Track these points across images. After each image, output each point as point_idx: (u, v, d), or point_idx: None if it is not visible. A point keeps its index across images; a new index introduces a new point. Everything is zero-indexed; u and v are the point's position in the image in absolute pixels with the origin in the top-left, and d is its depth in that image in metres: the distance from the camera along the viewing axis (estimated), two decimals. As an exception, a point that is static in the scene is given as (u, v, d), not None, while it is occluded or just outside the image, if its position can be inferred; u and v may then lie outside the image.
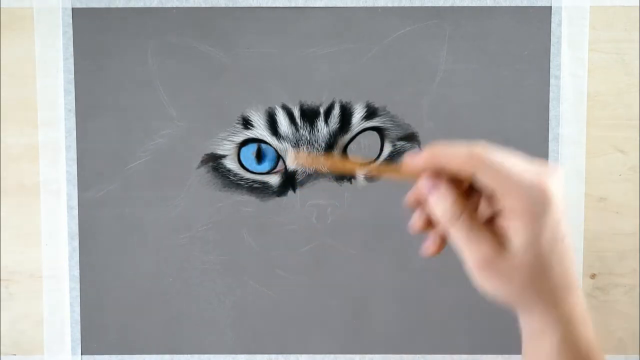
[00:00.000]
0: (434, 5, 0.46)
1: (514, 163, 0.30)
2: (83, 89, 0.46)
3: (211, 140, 0.46)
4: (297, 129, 0.46)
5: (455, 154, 0.30)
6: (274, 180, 0.46)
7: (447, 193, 0.31)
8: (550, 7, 0.46)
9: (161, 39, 0.46)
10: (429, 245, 0.33)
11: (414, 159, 0.31)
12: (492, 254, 0.30)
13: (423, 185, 0.31)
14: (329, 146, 0.46)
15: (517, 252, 0.30)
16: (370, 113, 0.46)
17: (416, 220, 0.33)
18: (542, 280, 0.31)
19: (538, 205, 0.29)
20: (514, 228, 0.30)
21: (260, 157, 0.46)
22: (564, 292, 0.31)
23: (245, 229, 0.47)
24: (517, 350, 0.47)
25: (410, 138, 0.46)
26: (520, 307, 0.32)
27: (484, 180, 0.30)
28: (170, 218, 0.46)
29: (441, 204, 0.31)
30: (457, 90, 0.46)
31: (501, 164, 0.29)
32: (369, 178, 0.46)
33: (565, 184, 0.46)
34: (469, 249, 0.30)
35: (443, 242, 0.33)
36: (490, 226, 0.31)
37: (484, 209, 0.32)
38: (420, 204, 0.32)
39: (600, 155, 0.47)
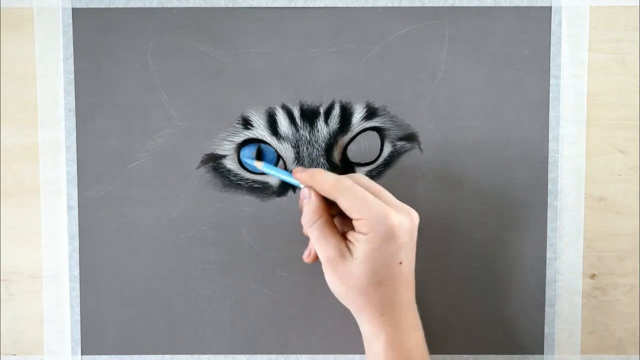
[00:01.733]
0: (434, 5, 0.46)
1: (368, 195, 0.37)
2: (83, 89, 0.46)
3: (211, 140, 0.46)
4: (297, 129, 0.46)
5: (324, 180, 0.38)
6: (274, 180, 0.46)
7: (312, 202, 0.38)
8: (550, 7, 0.46)
9: (161, 39, 0.46)
10: (306, 254, 0.42)
11: (298, 174, 0.40)
12: (335, 257, 0.37)
13: (302, 193, 0.40)
14: (329, 146, 0.46)
15: (355, 262, 0.37)
16: (370, 113, 0.46)
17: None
18: (373, 290, 0.37)
19: (380, 230, 0.36)
20: (358, 244, 0.37)
21: (260, 157, 0.46)
22: (391, 305, 0.37)
23: (245, 229, 0.47)
24: (518, 350, 0.48)
25: (410, 138, 0.46)
26: (354, 309, 0.39)
27: (342, 206, 0.37)
28: (170, 218, 0.46)
29: (305, 210, 0.39)
30: (457, 90, 0.46)
31: (357, 193, 0.37)
32: (369, 178, 0.46)
33: (564, 185, 0.46)
34: (319, 249, 0.38)
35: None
36: (342, 235, 0.38)
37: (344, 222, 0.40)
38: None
39: (600, 155, 0.47)
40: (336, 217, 0.41)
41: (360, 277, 0.37)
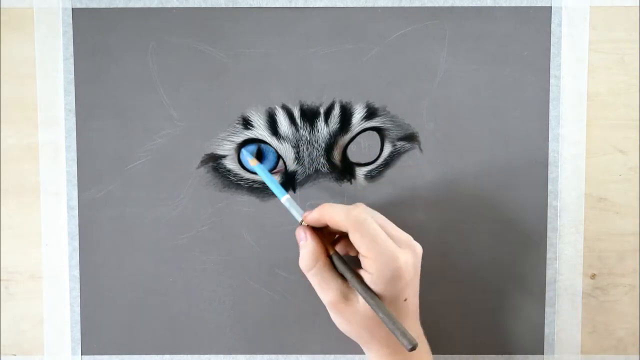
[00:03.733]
0: (434, 5, 0.46)
1: (381, 233, 0.36)
2: (83, 89, 0.46)
3: (211, 140, 0.46)
4: (297, 129, 0.46)
5: (335, 215, 0.37)
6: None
7: (308, 244, 0.38)
8: (550, 7, 0.46)
9: (161, 39, 0.46)
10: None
11: (308, 218, 0.38)
12: (338, 300, 0.37)
13: (298, 234, 0.39)
14: (329, 146, 0.46)
15: (360, 303, 0.36)
16: (370, 113, 0.46)
17: None
18: (378, 327, 0.37)
19: (387, 271, 0.35)
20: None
21: (260, 157, 0.46)
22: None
23: (245, 229, 0.47)
24: (518, 350, 0.48)
25: (410, 138, 0.46)
26: (360, 343, 0.39)
27: (353, 239, 0.36)
28: (170, 218, 0.46)
29: (302, 253, 0.38)
30: (457, 90, 0.46)
31: (370, 230, 0.36)
32: (369, 178, 0.46)
33: (564, 185, 0.47)
34: (321, 294, 0.38)
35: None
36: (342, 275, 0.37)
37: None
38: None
39: (600, 155, 0.47)
40: (340, 242, 0.41)
41: (365, 316, 0.37)
